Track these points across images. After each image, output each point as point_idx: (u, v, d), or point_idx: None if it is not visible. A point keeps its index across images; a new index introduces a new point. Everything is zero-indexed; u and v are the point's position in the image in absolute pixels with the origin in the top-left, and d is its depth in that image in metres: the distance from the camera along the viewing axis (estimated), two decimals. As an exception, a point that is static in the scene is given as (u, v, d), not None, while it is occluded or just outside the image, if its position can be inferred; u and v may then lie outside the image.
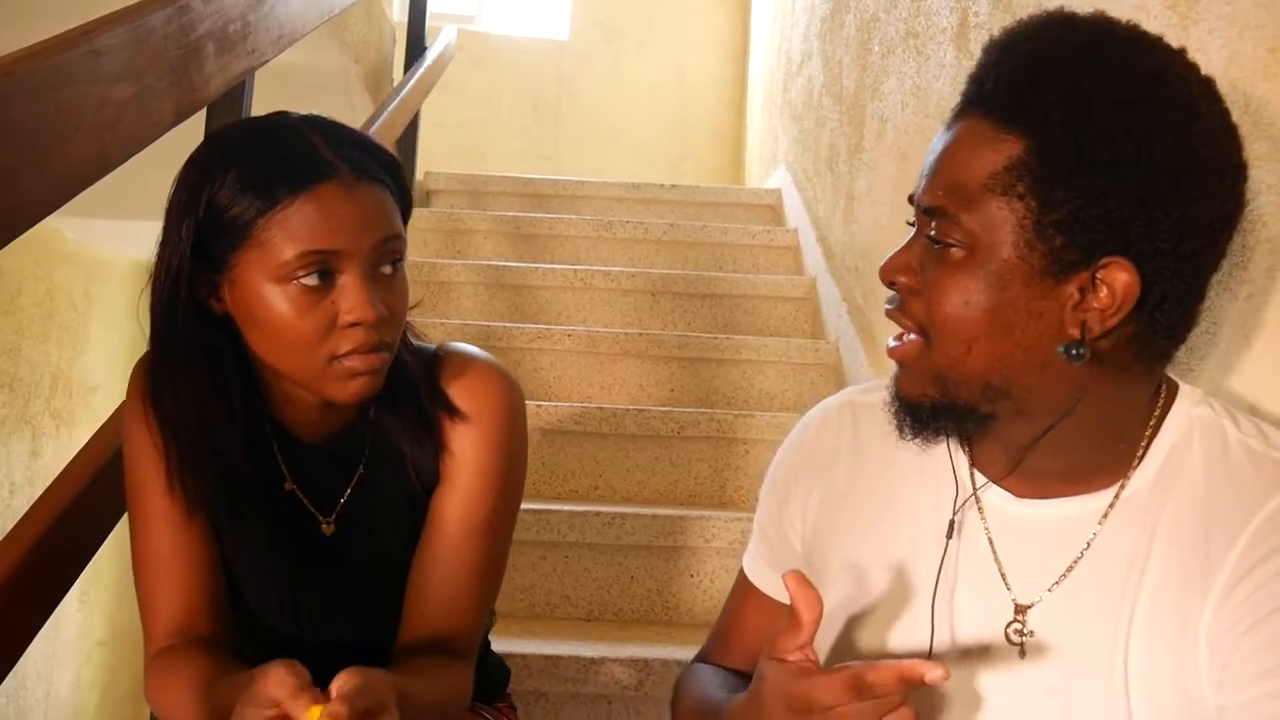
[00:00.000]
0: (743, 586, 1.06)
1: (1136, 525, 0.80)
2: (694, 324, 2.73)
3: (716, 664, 1.06)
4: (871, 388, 0.99)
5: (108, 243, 4.14)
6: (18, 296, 3.63)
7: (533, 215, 3.14)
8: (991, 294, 0.76)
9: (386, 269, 0.94)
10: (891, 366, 0.86)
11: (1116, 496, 0.81)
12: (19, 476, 3.73)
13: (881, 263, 0.83)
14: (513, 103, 4.95)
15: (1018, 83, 0.76)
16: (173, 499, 0.98)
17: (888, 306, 0.84)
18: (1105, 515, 0.81)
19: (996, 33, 0.81)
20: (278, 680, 0.76)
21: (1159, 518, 0.80)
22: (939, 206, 0.78)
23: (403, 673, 0.89)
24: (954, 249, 0.78)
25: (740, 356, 2.46)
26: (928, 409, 0.82)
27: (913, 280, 0.81)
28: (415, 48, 3.31)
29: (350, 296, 0.91)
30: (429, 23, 3.42)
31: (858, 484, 0.94)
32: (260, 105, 1.77)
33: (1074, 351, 0.75)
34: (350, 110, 2.98)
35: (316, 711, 0.73)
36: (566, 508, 1.89)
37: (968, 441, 0.88)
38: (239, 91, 1.67)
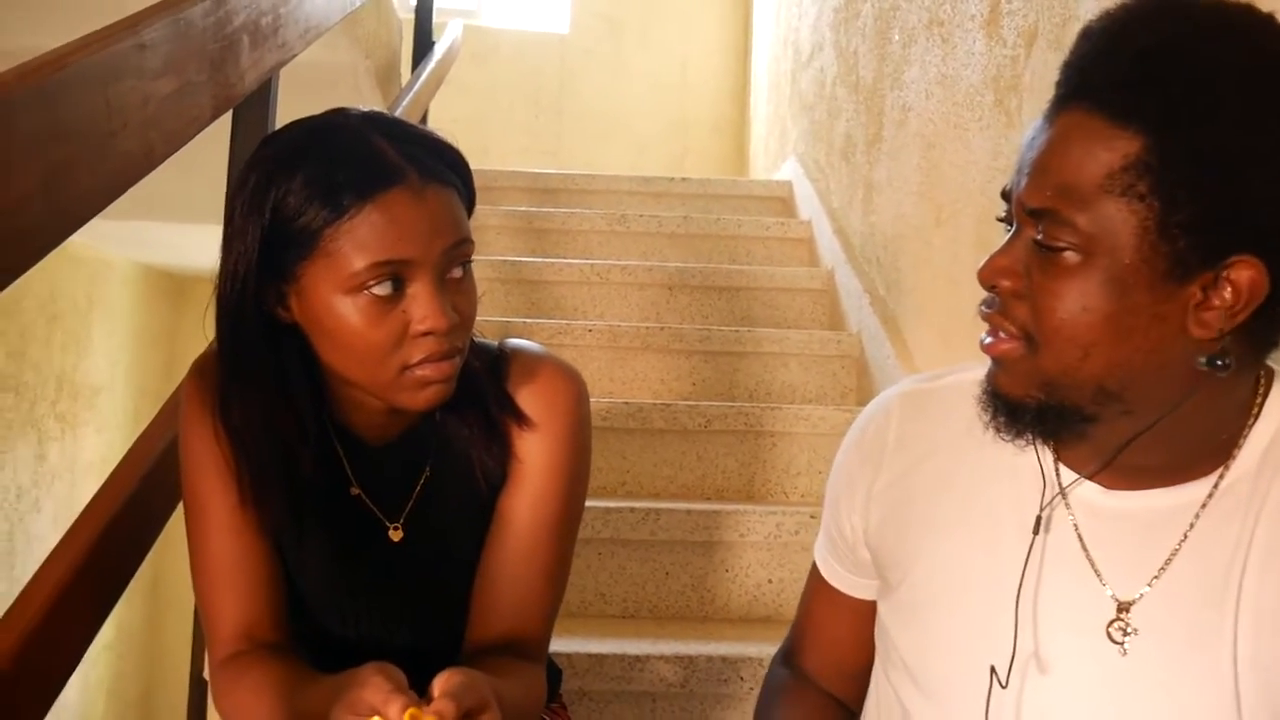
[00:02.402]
0: (814, 580, 1.04)
1: (1239, 514, 0.78)
2: (711, 317, 2.71)
3: (799, 665, 1.04)
4: (934, 375, 0.97)
5: (110, 244, 4.11)
6: (21, 299, 3.59)
7: (545, 210, 3.12)
8: (1111, 299, 0.73)
9: (457, 272, 0.91)
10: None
11: (1216, 486, 0.79)
12: (25, 480, 3.70)
13: (984, 263, 0.79)
14: (514, 97, 4.92)
15: (1133, 75, 0.71)
16: (237, 507, 0.96)
17: (984, 309, 0.80)
18: (1204, 505, 0.79)
19: (1095, 19, 0.76)
20: (375, 685, 0.74)
21: (1262, 505, 0.78)
22: (1049, 208, 0.74)
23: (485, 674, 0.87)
24: (1067, 253, 0.73)
25: (761, 349, 2.45)
26: (1032, 411, 0.78)
27: (1017, 284, 0.77)
28: (423, 43, 3.28)
29: (422, 305, 0.88)
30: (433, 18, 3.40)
31: (927, 475, 0.92)
32: (280, 101, 1.75)
33: (1219, 363, 0.72)
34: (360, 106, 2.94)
35: (413, 714, 0.71)
36: (599, 504, 1.87)
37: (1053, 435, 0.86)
38: (266, 89, 1.65)
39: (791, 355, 2.46)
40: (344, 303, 0.88)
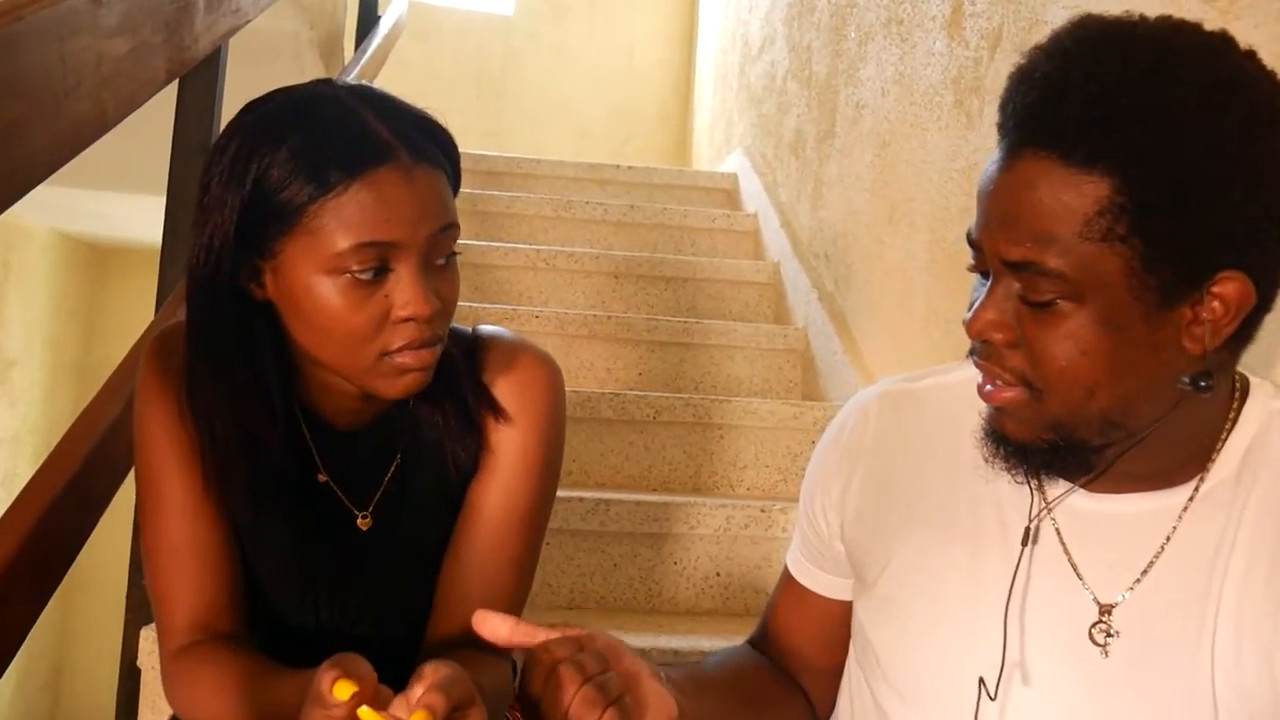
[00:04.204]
0: (784, 577, 1.04)
1: (1220, 519, 0.79)
2: (657, 307, 2.70)
3: (760, 650, 1.04)
4: (917, 376, 0.97)
5: (27, 210, 3.94)
6: (-67, 265, 3.43)
7: (489, 193, 3.07)
8: (1108, 338, 0.73)
9: (440, 259, 0.88)
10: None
11: (1196, 490, 0.80)
12: (-68, 454, 3.54)
13: (970, 316, 0.77)
14: (456, 77, 4.84)
15: (1090, 118, 0.71)
16: (197, 489, 0.92)
17: (977, 359, 0.79)
18: (1185, 509, 0.80)
19: (1027, 55, 0.75)
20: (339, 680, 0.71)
21: (1243, 511, 0.79)
22: (1029, 260, 0.73)
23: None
24: (1057, 301, 0.73)
25: (709, 341, 2.44)
26: (1044, 450, 0.78)
27: (1010, 335, 0.76)
28: (367, 18, 3.20)
29: (405, 290, 0.85)
30: (378, -9, 3.32)
31: (907, 476, 0.92)
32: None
33: (1202, 384, 0.73)
34: (302, 78, 2.86)
35: (365, 713, 0.68)
36: (548, 493, 1.84)
37: None
38: (216, 56, 1.59)
39: (738, 348, 2.45)
40: (324, 283, 0.84)
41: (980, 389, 0.80)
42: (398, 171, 0.84)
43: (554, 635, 0.77)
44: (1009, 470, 0.80)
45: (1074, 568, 0.83)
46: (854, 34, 2.42)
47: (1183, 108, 0.69)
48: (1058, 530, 0.84)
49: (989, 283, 0.77)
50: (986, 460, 0.81)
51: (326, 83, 0.89)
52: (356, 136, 0.84)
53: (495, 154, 3.52)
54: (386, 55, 3.06)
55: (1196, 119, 0.69)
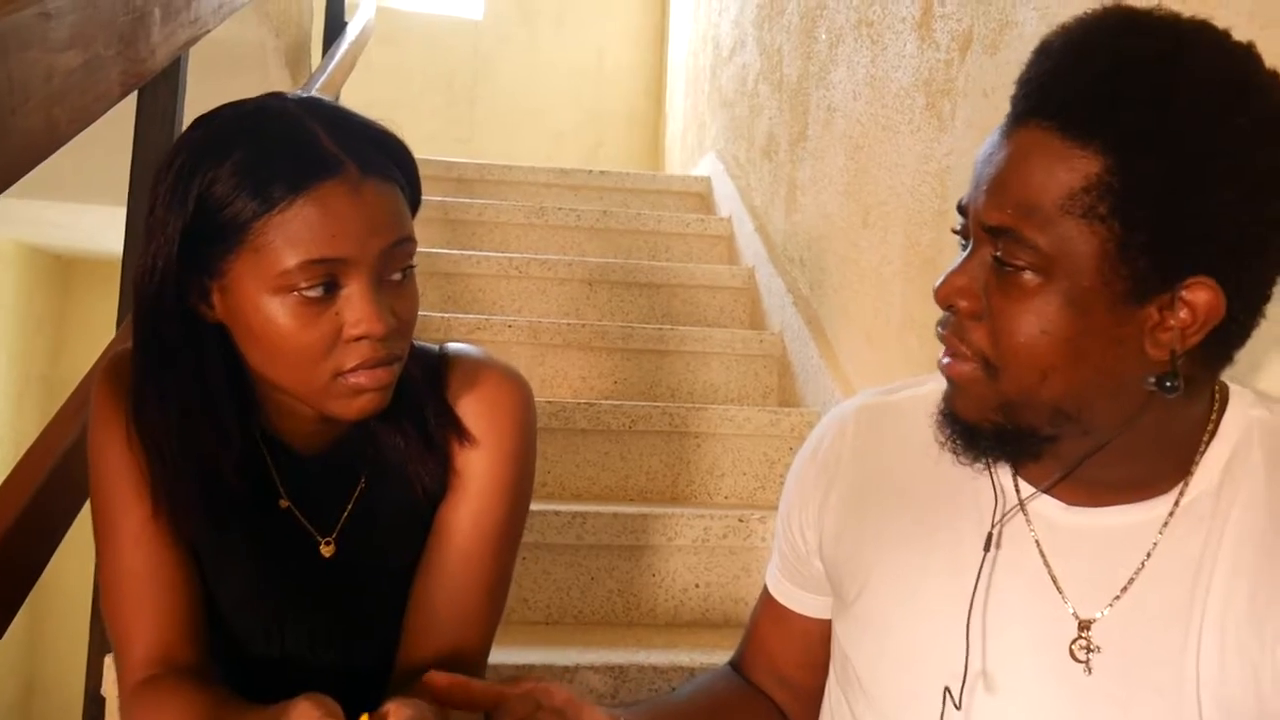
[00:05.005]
0: (764, 595, 1.02)
1: (1202, 531, 0.78)
2: (631, 314, 2.67)
3: (742, 673, 1.02)
4: (892, 389, 0.96)
5: (-9, 223, 3.88)
6: (-108, 280, 3.36)
7: (461, 200, 3.04)
8: (1071, 321, 0.72)
9: (396, 275, 0.85)
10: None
11: (1177, 503, 0.79)
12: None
13: (940, 282, 0.77)
14: (425, 83, 4.80)
15: (1094, 95, 0.70)
16: (151, 517, 0.89)
17: (940, 330, 0.79)
18: (1166, 523, 0.79)
19: (1053, 34, 0.75)
20: (307, 717, 0.69)
21: (1225, 523, 0.78)
22: (1008, 226, 0.73)
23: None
24: (1026, 273, 0.73)
25: (684, 348, 2.42)
26: (989, 434, 0.78)
27: (975, 305, 0.76)
28: (334, 24, 3.17)
29: (356, 308, 0.82)
30: (345, -3, 3.28)
31: (884, 490, 0.90)
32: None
33: (1168, 384, 0.71)
34: (268, 88, 2.83)
35: None
36: (523, 506, 1.82)
37: None
38: (176, 67, 1.55)
39: (714, 354, 2.44)
40: (272, 303, 0.81)
41: (939, 362, 0.79)
42: (345, 185, 0.82)
43: (513, 691, 0.76)
44: (964, 457, 0.80)
45: (1054, 580, 0.82)
46: (824, 36, 2.41)
47: (1190, 100, 0.69)
48: (1037, 542, 0.83)
49: (966, 251, 0.77)
50: (940, 445, 0.81)
51: (277, 96, 0.87)
52: (303, 150, 0.81)
53: (466, 161, 3.49)
54: (354, 62, 3.03)
55: (1202, 113, 0.68)
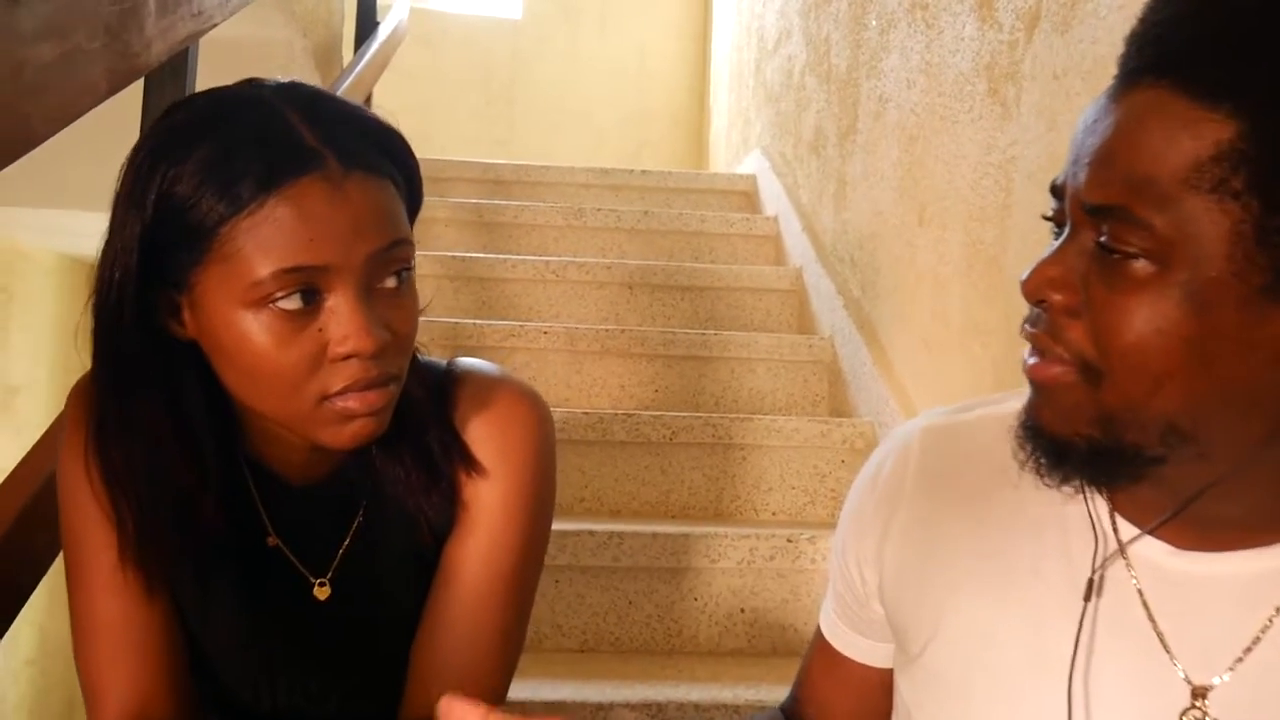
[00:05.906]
0: (817, 637, 0.91)
1: None
2: (673, 318, 2.56)
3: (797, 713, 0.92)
4: (964, 407, 0.84)
5: (30, 234, 3.88)
6: (-70, 292, 3.35)
7: (496, 203, 2.95)
8: (1193, 320, 0.60)
9: (390, 282, 0.75)
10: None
11: None
12: (-66, 487, 3.46)
13: (1028, 272, 0.65)
14: (463, 84, 4.74)
15: (1226, 46, 0.59)
16: (124, 563, 0.79)
17: (1028, 328, 0.67)
18: None
19: None
20: None
21: None
22: (1117, 204, 0.61)
23: None
24: (1138, 260, 0.60)
25: (728, 354, 2.31)
26: (1083, 452, 0.65)
27: (1072, 299, 0.64)
28: (366, 24, 3.09)
29: (342, 323, 0.72)
30: (379, -2, 3.21)
31: (953, 523, 0.78)
32: (198, 79, 1.57)
33: None
34: (298, 89, 2.76)
35: None
36: (556, 526, 1.71)
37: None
38: (182, 60, 1.47)
39: (760, 360, 2.32)
40: (245, 318, 0.71)
41: (1024, 364, 0.67)
42: (323, 182, 0.71)
43: None
44: (1048, 479, 0.67)
45: (1160, 638, 0.69)
46: (875, 22, 2.28)
47: None
48: (1140, 592, 0.70)
49: (1061, 237, 0.65)
50: (1019, 463, 0.68)
51: (251, 82, 0.76)
52: (274, 142, 0.71)
53: (502, 162, 3.40)
54: (386, 62, 2.95)
55: None
